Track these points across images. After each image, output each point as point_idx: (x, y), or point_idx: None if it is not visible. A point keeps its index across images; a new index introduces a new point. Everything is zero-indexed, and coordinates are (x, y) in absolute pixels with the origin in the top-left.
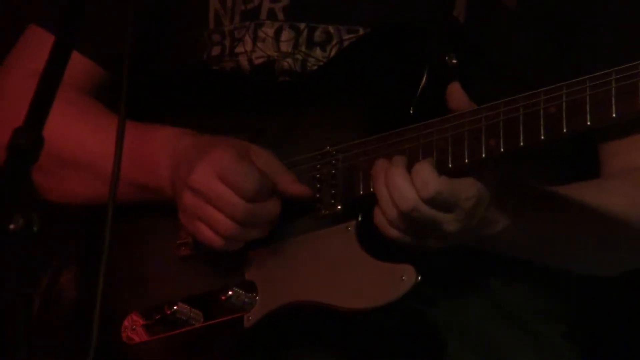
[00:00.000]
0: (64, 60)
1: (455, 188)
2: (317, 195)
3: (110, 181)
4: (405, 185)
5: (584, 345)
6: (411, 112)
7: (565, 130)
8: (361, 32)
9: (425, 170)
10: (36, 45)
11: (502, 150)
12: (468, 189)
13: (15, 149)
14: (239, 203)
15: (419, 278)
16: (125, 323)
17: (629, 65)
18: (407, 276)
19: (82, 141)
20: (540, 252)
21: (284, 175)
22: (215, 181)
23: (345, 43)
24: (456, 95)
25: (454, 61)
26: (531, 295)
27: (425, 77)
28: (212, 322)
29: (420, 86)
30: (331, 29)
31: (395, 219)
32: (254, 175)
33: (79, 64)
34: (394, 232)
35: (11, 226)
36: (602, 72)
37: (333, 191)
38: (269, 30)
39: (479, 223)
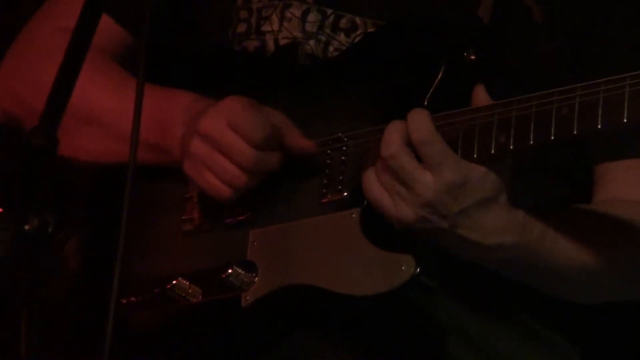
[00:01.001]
0: (85, 49)
1: (449, 152)
2: (325, 181)
3: (123, 138)
4: (393, 133)
5: (585, 346)
6: (426, 104)
7: (575, 132)
8: None
9: (423, 115)
10: (65, 4)
11: (511, 147)
12: (461, 163)
13: (30, 149)
14: (248, 151)
15: (418, 270)
16: (125, 292)
17: None
18: (406, 266)
19: (99, 98)
20: (531, 278)
21: (292, 128)
22: (225, 128)
23: None
24: (480, 97)
25: (473, 57)
26: (534, 299)
27: (442, 69)
28: (209, 299)
29: (437, 79)
30: (358, 19)
31: (378, 168)
32: (264, 123)
33: (105, 27)
34: (374, 189)
35: (26, 227)
36: (618, 77)
37: (341, 177)
38: (296, 11)
39: (466, 216)
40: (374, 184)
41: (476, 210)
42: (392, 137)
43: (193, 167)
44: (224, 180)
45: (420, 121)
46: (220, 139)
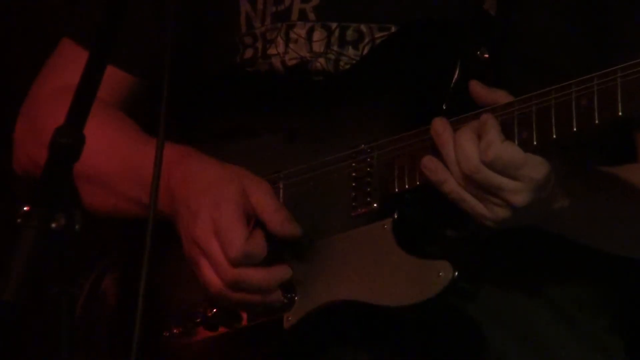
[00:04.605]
0: (103, 64)
1: (520, 156)
2: (353, 194)
3: (123, 197)
4: (469, 146)
5: (626, 337)
6: (444, 107)
7: (597, 122)
8: (393, 29)
9: (490, 134)
10: (69, 60)
11: (535, 143)
12: (534, 159)
13: (56, 147)
14: (224, 265)
15: (456, 274)
16: (167, 325)
17: None
18: (444, 272)
19: (103, 158)
20: (598, 233)
21: (275, 214)
22: (210, 237)
23: (377, 41)
24: (477, 92)
25: (486, 55)
26: (577, 289)
27: (457, 72)
28: (252, 323)
29: (453, 81)
30: (363, 27)
31: (460, 180)
32: (241, 241)
33: (113, 76)
34: (460, 194)
35: (53, 225)
36: (633, 62)
37: (369, 189)
38: (300, 31)
39: (548, 197)
40: (462, 194)
41: (557, 185)
42: (470, 151)
43: (189, 259)
44: (207, 285)
45: (489, 139)
46: (205, 248)
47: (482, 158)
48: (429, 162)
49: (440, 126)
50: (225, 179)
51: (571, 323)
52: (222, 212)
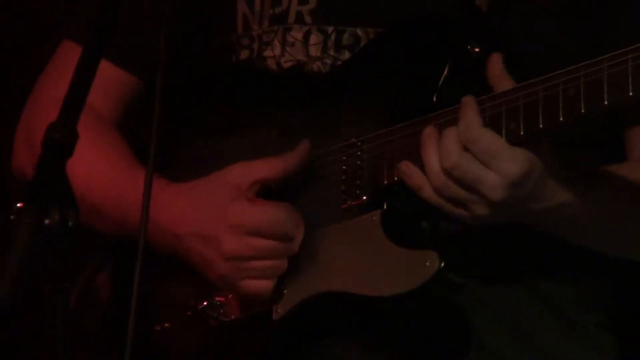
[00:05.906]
0: (96, 58)
1: (500, 144)
2: (343, 187)
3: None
4: (451, 143)
5: (619, 334)
6: (434, 100)
7: (583, 111)
8: None
9: (469, 116)
10: (70, 63)
11: (522, 133)
12: (515, 152)
13: (50, 144)
14: (282, 248)
15: (442, 264)
16: (158, 319)
17: None
18: (430, 262)
19: (100, 189)
20: (595, 233)
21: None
22: (249, 239)
23: None
24: (492, 67)
25: (477, 50)
26: (568, 283)
27: (447, 66)
28: (242, 315)
29: (443, 75)
30: (359, 31)
31: (438, 187)
32: (282, 219)
33: (112, 75)
34: (437, 201)
35: (46, 221)
36: (619, 52)
37: (358, 182)
38: (297, 34)
39: (531, 196)
40: (439, 200)
41: (541, 184)
42: (451, 146)
43: (227, 285)
44: (266, 276)
45: (469, 119)
46: (251, 251)
47: (463, 137)
48: (405, 167)
49: (426, 133)
50: (219, 182)
51: (564, 319)
52: (247, 216)
